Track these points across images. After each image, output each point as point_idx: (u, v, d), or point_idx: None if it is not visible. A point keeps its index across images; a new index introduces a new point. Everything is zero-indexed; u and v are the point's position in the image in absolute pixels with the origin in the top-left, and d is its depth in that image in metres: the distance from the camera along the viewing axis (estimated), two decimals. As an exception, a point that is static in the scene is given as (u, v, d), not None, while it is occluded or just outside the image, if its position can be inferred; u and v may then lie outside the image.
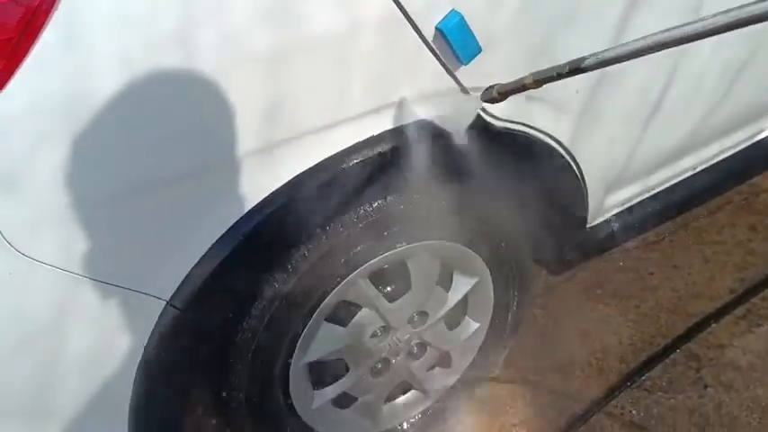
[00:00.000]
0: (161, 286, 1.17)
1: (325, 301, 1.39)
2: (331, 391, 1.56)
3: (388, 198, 1.33)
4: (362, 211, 1.32)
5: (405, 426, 1.78)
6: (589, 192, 1.59)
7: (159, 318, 1.19)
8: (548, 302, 2.16)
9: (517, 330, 1.83)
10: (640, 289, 2.19)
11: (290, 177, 1.17)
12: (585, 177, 1.56)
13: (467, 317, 1.72)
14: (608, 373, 1.96)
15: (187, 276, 1.17)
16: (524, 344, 2.02)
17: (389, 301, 1.50)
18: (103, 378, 1.20)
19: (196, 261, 1.17)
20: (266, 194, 1.16)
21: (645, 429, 1.80)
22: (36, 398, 1.17)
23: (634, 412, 1.85)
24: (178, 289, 1.18)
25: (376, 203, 1.32)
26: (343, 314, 1.48)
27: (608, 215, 1.76)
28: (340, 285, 1.39)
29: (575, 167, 1.50)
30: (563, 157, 1.47)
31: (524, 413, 1.88)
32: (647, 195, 1.82)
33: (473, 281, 1.62)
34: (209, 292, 1.20)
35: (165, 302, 1.18)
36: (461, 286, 1.62)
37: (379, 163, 1.24)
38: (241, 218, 1.17)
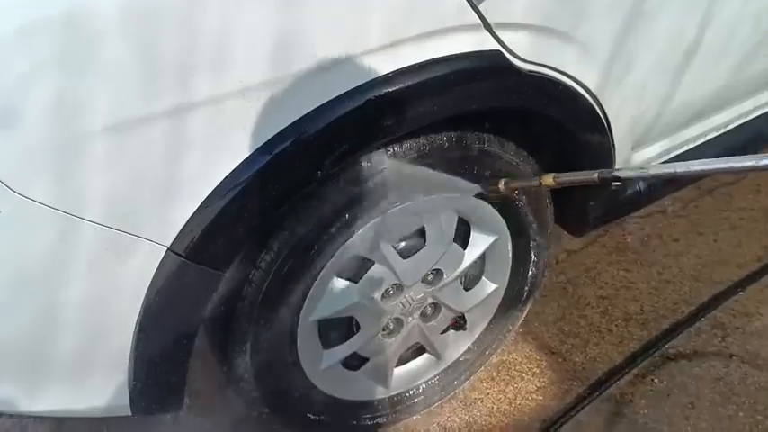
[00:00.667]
0: (161, 231, 1.09)
1: (336, 253, 1.32)
2: (341, 350, 1.49)
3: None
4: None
5: (417, 390, 1.71)
6: (616, 145, 1.50)
7: (160, 265, 1.12)
8: (567, 268, 2.08)
9: (535, 294, 1.75)
10: (663, 255, 2.10)
11: (305, 112, 1.09)
12: (612, 128, 1.46)
13: (483, 277, 1.64)
14: (629, 340, 1.88)
15: (189, 220, 1.10)
16: (542, 309, 1.95)
17: (403, 258, 1.43)
18: (104, 326, 1.15)
19: (199, 203, 1.09)
20: (277, 131, 1.08)
21: (667, 398, 1.73)
22: (35, 345, 1.12)
23: (656, 380, 1.77)
24: (179, 234, 1.11)
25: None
26: (354, 270, 1.41)
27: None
28: (353, 237, 1.31)
29: (601, 117, 1.41)
30: (590, 104, 1.38)
31: (542, 380, 1.81)
32: (676, 154, 1.73)
33: (491, 239, 1.54)
34: (213, 238, 1.12)
35: (165, 248, 1.11)
36: (479, 244, 1.54)
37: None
38: (248, 157, 1.09)
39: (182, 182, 1.07)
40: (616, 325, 1.92)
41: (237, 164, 1.08)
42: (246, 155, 1.08)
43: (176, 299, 1.16)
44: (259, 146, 1.08)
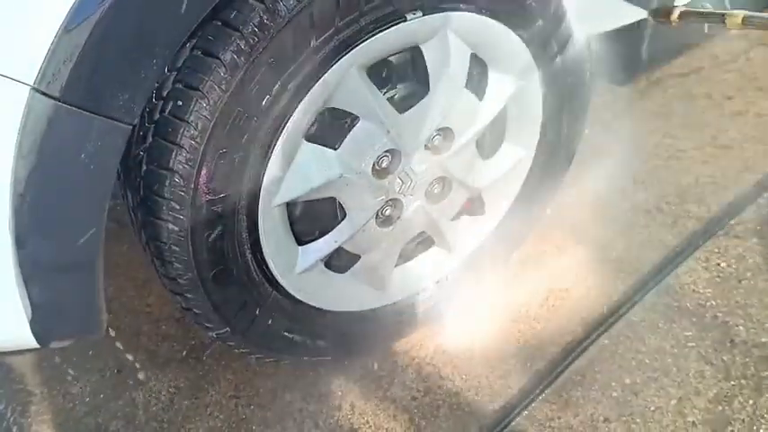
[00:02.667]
0: (14, 58, 0.69)
1: (302, 103, 0.92)
2: (321, 246, 1.11)
3: None
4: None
5: (423, 296, 1.34)
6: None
7: (26, 114, 0.71)
8: (599, 141, 1.69)
9: (569, 165, 1.37)
10: (717, 117, 1.71)
11: None
12: None
13: (505, 142, 1.24)
14: (685, 219, 1.51)
15: (58, 38, 0.69)
16: (576, 188, 1.57)
17: (399, 112, 1.03)
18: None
19: (69, 7, 0.68)
20: None
21: (739, 283, 1.37)
22: None
23: (723, 264, 1.42)
24: (46, 63, 0.70)
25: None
26: (332, 130, 1.01)
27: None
28: (324, 76, 0.91)
29: None
30: None
31: (580, 275, 1.45)
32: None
33: (516, 84, 1.13)
34: (100, 69, 0.72)
35: (28, 87, 0.70)
36: (500, 92, 1.13)
37: None
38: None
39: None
40: (667, 202, 1.55)
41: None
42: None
43: (61, 167, 0.76)
44: None
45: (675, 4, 1.23)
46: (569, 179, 1.41)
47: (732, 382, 1.21)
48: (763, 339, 1.27)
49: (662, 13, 1.20)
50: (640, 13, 1.15)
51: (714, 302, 1.35)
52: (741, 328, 1.30)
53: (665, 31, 1.26)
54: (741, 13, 1.07)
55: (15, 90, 0.71)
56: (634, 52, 1.25)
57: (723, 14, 1.11)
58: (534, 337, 1.35)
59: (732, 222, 1.48)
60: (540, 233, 1.51)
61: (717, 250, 1.44)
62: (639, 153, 1.64)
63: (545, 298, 1.42)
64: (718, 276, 1.40)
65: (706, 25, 1.34)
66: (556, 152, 1.30)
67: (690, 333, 1.30)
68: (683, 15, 1.19)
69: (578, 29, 1.11)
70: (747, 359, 1.24)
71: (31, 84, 0.71)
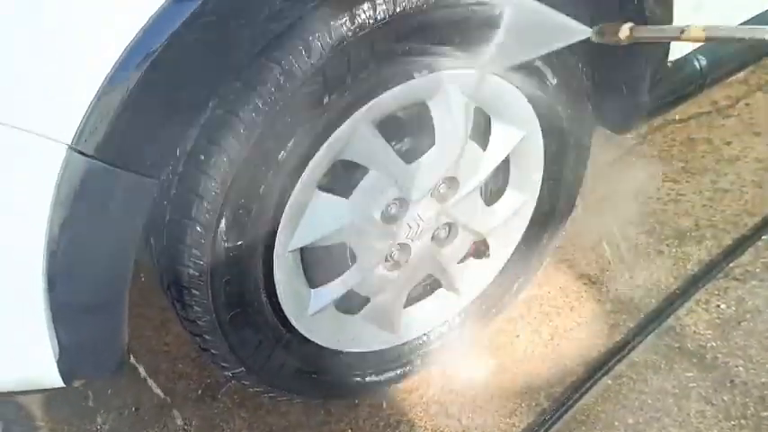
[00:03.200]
0: (54, 120, 0.76)
1: (316, 156, 0.98)
2: (333, 289, 1.16)
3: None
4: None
5: (432, 336, 1.38)
6: (675, 2, 1.15)
7: (63, 171, 0.78)
8: (601, 182, 1.74)
9: (572, 210, 1.42)
10: (716, 161, 1.76)
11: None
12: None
13: (509, 189, 1.30)
14: (685, 261, 1.55)
15: (94, 102, 0.76)
16: (576, 231, 1.62)
17: (407, 162, 1.09)
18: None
19: (107, 73, 0.75)
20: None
21: (738, 325, 1.41)
22: None
23: (723, 306, 1.45)
24: (83, 126, 0.76)
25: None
26: (343, 180, 1.08)
27: (695, 45, 1.31)
28: (336, 131, 0.97)
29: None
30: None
31: (582, 316, 1.48)
32: (740, 22, 1.37)
33: (518, 135, 1.20)
34: (132, 129, 0.79)
35: (65, 147, 0.77)
36: (502, 142, 1.19)
37: None
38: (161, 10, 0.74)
39: (74, 40, 0.74)
40: (667, 245, 1.59)
41: (150, 15, 0.74)
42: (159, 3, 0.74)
43: (93, 219, 0.82)
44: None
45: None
46: (571, 222, 1.46)
47: (732, 422, 1.24)
48: (763, 380, 1.31)
49: (608, 32, 1.03)
50: (583, 33, 1.04)
51: (714, 344, 1.39)
52: (741, 368, 1.33)
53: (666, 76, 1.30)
54: (701, 25, 0.95)
55: (54, 149, 0.77)
56: (635, 101, 1.30)
57: (681, 29, 0.98)
58: (539, 376, 1.39)
59: (731, 265, 1.52)
60: (544, 275, 1.55)
61: (717, 292, 1.48)
62: (640, 196, 1.69)
63: (549, 338, 1.46)
64: (719, 318, 1.43)
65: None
66: (558, 198, 1.36)
67: (691, 374, 1.33)
68: (633, 33, 1.02)
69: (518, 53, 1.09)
70: (747, 399, 1.27)
71: (69, 143, 0.77)
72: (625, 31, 1.02)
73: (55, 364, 0.94)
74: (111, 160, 0.79)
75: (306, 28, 0.87)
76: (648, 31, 1.06)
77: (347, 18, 0.89)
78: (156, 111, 0.80)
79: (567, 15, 1.02)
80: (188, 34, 0.76)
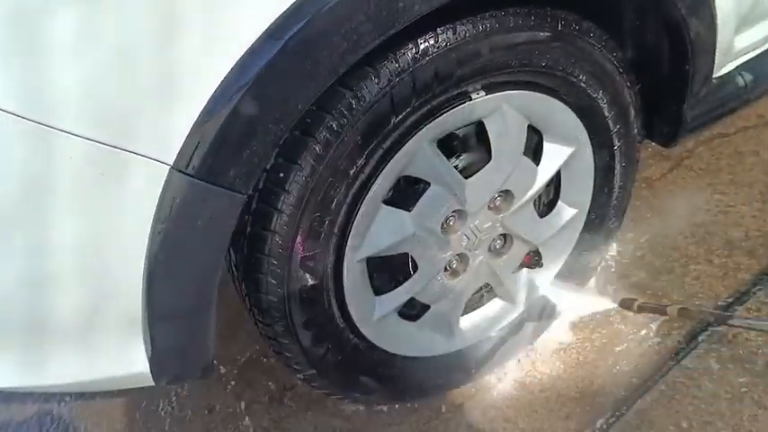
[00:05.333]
0: (159, 144, 0.86)
1: (383, 173, 1.07)
2: (396, 296, 1.24)
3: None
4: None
5: (487, 343, 1.45)
6: (719, 23, 1.21)
7: (164, 189, 0.88)
8: (649, 196, 1.78)
9: (621, 221, 1.47)
10: (764, 173, 1.78)
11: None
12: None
13: (560, 201, 1.37)
14: (736, 271, 1.58)
15: (192, 129, 0.86)
16: (626, 242, 1.67)
17: (465, 177, 1.17)
18: (105, 272, 0.93)
19: (201, 108, 0.85)
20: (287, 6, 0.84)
21: (792, 334, 1.44)
22: (24, 302, 0.93)
23: (775, 314, 1.48)
24: (184, 148, 0.87)
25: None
26: (406, 194, 1.16)
27: (738, 62, 1.36)
28: (401, 149, 1.06)
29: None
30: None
31: (635, 324, 1.52)
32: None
33: (569, 150, 1.27)
34: (225, 151, 0.88)
35: (167, 167, 0.87)
36: (554, 157, 1.26)
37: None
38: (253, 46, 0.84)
39: (178, 75, 0.84)
40: (717, 255, 1.62)
41: (242, 53, 0.84)
42: (252, 41, 0.84)
43: (190, 231, 0.92)
44: (267, 27, 0.84)
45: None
46: (622, 233, 1.51)
47: (785, 426, 1.27)
48: (814, 385, 1.33)
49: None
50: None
51: (765, 350, 1.41)
52: (792, 374, 1.36)
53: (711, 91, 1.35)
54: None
55: (158, 169, 0.87)
56: (681, 116, 1.35)
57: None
58: (593, 382, 1.44)
59: (783, 274, 1.55)
60: (596, 284, 1.61)
61: (767, 300, 1.51)
62: (689, 208, 1.73)
63: (602, 345, 1.51)
64: (771, 326, 1.46)
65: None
66: (608, 209, 1.41)
67: (743, 379, 1.36)
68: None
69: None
70: (799, 404, 1.30)
71: (171, 164, 0.87)
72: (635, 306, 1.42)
73: (147, 364, 1.05)
74: (206, 178, 0.89)
75: (375, 57, 0.96)
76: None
77: (413, 46, 0.99)
78: (245, 134, 0.89)
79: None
80: (273, 69, 0.86)
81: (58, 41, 0.78)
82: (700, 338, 1.46)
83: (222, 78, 0.84)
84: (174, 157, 0.87)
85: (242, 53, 0.84)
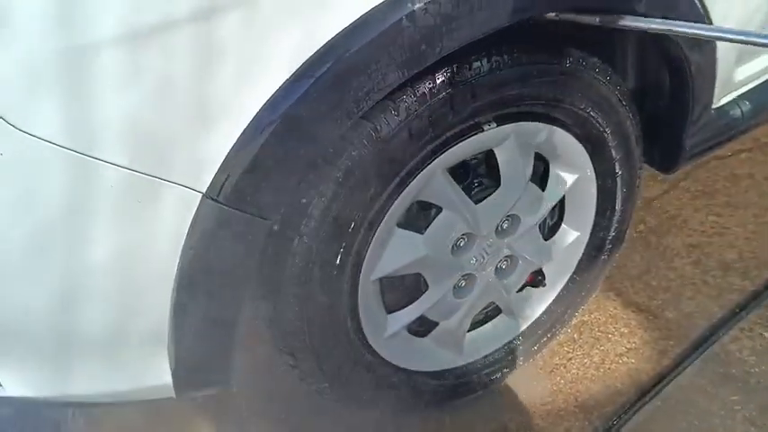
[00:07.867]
0: (193, 173, 0.91)
1: (398, 199, 1.13)
2: (407, 313, 1.30)
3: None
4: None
5: (492, 358, 1.51)
6: (719, 57, 1.27)
7: (195, 215, 0.94)
8: (647, 216, 1.85)
9: (622, 243, 1.53)
10: (758, 196, 1.86)
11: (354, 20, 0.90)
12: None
13: (564, 225, 1.43)
14: (729, 291, 1.65)
15: (225, 160, 0.91)
16: (625, 262, 1.73)
17: (475, 202, 1.23)
18: (136, 290, 0.98)
19: (235, 140, 0.91)
20: (318, 47, 0.89)
21: (783, 354, 1.50)
22: (57, 317, 0.98)
23: (766, 334, 1.54)
24: (216, 177, 0.92)
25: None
26: (419, 218, 1.22)
27: (738, 92, 1.43)
28: (416, 177, 1.12)
29: (705, 20, 1.18)
30: (694, 7, 1.15)
31: (632, 341, 1.59)
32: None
33: (573, 177, 1.33)
34: (254, 180, 0.94)
35: (200, 195, 0.93)
36: (559, 184, 1.33)
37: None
38: (285, 83, 0.90)
39: (213, 110, 0.89)
40: (712, 276, 1.69)
41: (274, 91, 0.90)
42: (283, 79, 0.90)
43: (217, 254, 0.97)
44: (298, 67, 0.89)
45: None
46: (621, 253, 1.57)
47: (776, 444, 1.33)
48: (805, 405, 1.40)
49: None
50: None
51: (758, 369, 1.48)
52: (783, 393, 1.42)
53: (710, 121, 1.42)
54: None
55: (190, 196, 0.93)
56: (680, 144, 1.41)
57: None
58: (591, 398, 1.50)
59: (774, 295, 1.61)
60: (596, 302, 1.67)
61: (759, 321, 1.57)
62: (685, 230, 1.80)
63: (600, 361, 1.57)
64: (761, 345, 1.52)
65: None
66: (608, 232, 1.47)
67: (736, 397, 1.43)
68: None
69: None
70: (790, 423, 1.36)
71: (203, 191, 0.93)
72: None
73: (170, 376, 1.10)
74: (236, 205, 0.94)
75: (396, 93, 1.02)
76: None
77: (430, 82, 1.05)
78: (273, 166, 0.95)
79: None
80: (301, 107, 0.91)
81: (103, 79, 0.83)
82: (694, 357, 1.52)
83: (254, 115, 0.90)
84: (207, 185, 0.92)
85: (273, 91, 0.90)
